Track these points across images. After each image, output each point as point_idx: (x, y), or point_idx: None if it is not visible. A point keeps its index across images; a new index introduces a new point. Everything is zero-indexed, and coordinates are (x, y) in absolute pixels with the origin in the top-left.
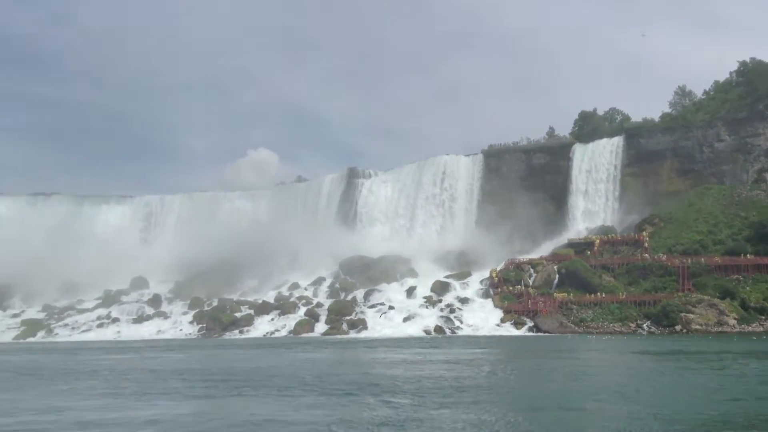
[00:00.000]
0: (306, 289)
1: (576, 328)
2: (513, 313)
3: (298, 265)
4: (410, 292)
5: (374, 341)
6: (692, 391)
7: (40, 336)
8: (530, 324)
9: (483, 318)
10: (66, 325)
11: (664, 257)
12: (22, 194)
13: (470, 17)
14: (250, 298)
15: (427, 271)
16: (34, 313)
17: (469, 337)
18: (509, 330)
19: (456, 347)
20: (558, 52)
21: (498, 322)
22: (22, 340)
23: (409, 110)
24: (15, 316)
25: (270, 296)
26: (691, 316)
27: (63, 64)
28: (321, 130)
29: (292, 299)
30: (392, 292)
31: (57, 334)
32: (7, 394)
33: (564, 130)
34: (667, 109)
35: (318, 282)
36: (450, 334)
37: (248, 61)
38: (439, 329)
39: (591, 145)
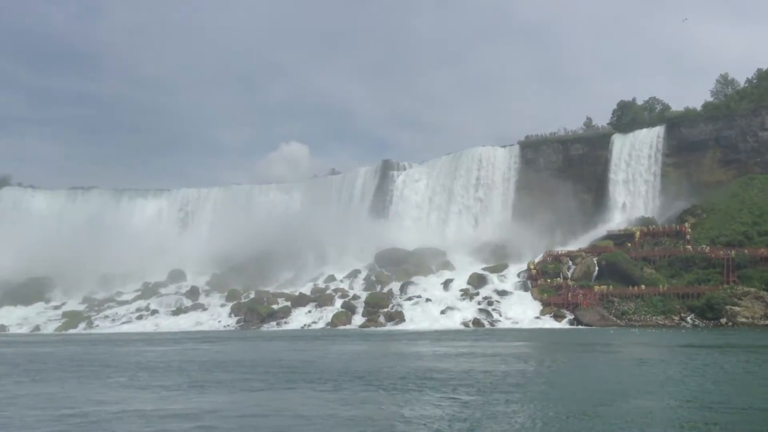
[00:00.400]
0: (342, 281)
1: (618, 321)
2: (552, 305)
3: (333, 258)
4: (447, 284)
5: (414, 334)
6: (757, 385)
7: (81, 328)
8: (570, 317)
9: (521, 311)
10: (106, 317)
11: (708, 249)
12: (61, 188)
13: (500, 8)
14: (286, 291)
15: (463, 264)
16: (74, 305)
17: (508, 329)
18: (549, 323)
19: (499, 340)
20: (592, 41)
21: (537, 314)
22: (63, 332)
23: (439, 102)
24: (56, 308)
25: (306, 288)
26: (736, 308)
27: (97, 60)
28: (351, 123)
29: (328, 291)
30: (428, 284)
31: (97, 325)
32: (66, 385)
33: (601, 120)
34: (709, 98)
35: (353, 274)
36: (489, 326)
37: (279, 55)
38: (477, 322)
39: (631, 135)
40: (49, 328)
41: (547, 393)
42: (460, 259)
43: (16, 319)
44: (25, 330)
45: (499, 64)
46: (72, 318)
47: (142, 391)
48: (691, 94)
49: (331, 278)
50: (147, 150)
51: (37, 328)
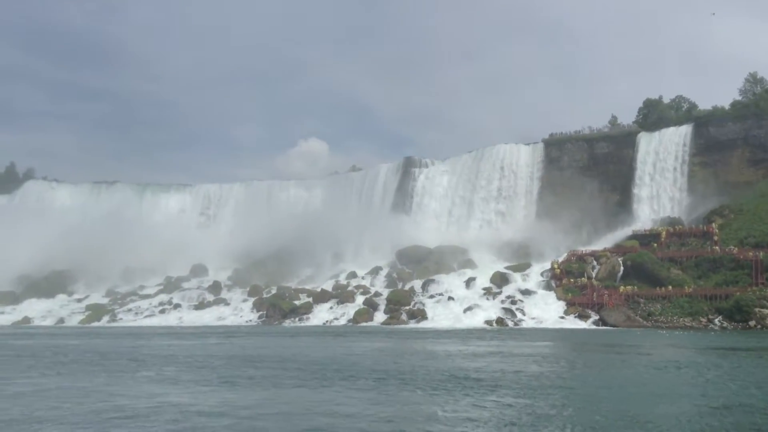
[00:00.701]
0: (363, 278)
1: (644, 322)
2: (577, 305)
3: (354, 255)
4: (469, 282)
5: (438, 332)
6: None
7: (104, 321)
8: (595, 317)
9: (545, 310)
10: (129, 310)
11: (736, 250)
12: (85, 182)
13: (519, 5)
14: (308, 287)
15: (485, 262)
16: (98, 298)
17: (533, 329)
18: (574, 323)
19: (526, 339)
20: (613, 39)
21: (561, 314)
22: (87, 325)
23: (459, 100)
24: (79, 301)
25: (327, 285)
26: (766, 311)
27: (117, 56)
28: (370, 120)
29: (349, 288)
30: (450, 282)
31: (121, 319)
32: (96, 378)
33: (624, 119)
34: (737, 97)
35: (375, 271)
36: (513, 326)
37: (299, 52)
38: (501, 321)
39: (657, 134)
40: (73, 321)
41: (586, 395)
42: (482, 258)
43: (40, 311)
44: (49, 322)
45: (519, 61)
46: (95, 311)
47: (174, 386)
48: (716, 93)
49: (352, 275)
50: (166, 146)
51: (61, 320)
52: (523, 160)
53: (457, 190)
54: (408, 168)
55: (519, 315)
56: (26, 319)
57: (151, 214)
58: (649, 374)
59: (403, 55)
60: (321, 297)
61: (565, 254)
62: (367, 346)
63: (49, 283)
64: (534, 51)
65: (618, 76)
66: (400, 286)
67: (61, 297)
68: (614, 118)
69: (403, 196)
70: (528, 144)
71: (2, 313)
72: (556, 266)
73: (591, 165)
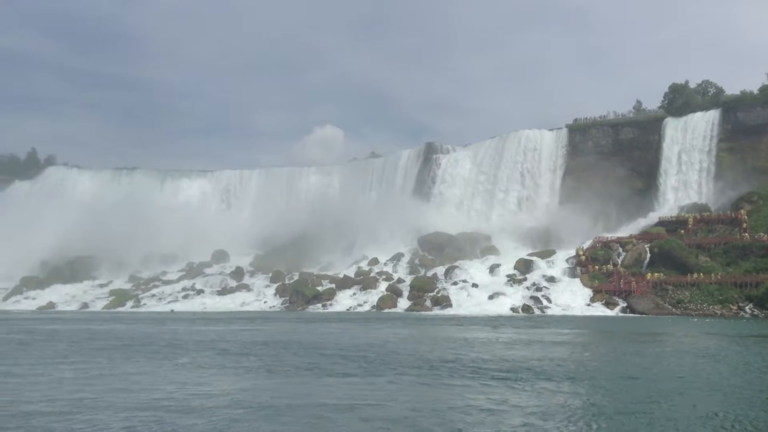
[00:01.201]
0: (385, 264)
1: (673, 309)
2: (603, 292)
3: (375, 241)
4: (493, 269)
5: (465, 319)
6: None
7: (128, 306)
8: (623, 304)
9: (571, 297)
10: (153, 295)
11: (765, 237)
12: (107, 168)
13: None
14: (329, 273)
15: (508, 249)
16: (120, 283)
17: (560, 316)
18: (601, 310)
19: (556, 327)
20: (634, 24)
21: (588, 301)
22: (111, 310)
23: (476, 87)
24: (102, 286)
25: (349, 271)
26: None
27: (139, 43)
28: (386, 107)
29: (372, 274)
30: (474, 269)
31: (144, 304)
32: (140, 364)
33: (649, 104)
34: (766, 82)
35: (396, 258)
36: (539, 313)
37: (315, 39)
38: (527, 308)
39: (684, 119)
40: (97, 306)
41: (636, 384)
42: (506, 244)
43: (64, 296)
44: (73, 307)
45: (538, 48)
46: (119, 296)
47: (219, 373)
48: (742, 78)
49: (374, 261)
50: (185, 133)
51: (85, 305)
52: (546, 146)
53: (479, 176)
54: (429, 154)
55: (545, 302)
56: (51, 304)
57: (172, 201)
58: (689, 361)
59: (421, 42)
60: (344, 283)
61: (590, 241)
62: (400, 333)
63: (71, 269)
64: (553, 37)
65: (640, 63)
66: (422, 272)
67: (85, 282)
68: (639, 104)
69: (424, 182)
70: (552, 129)
71: (27, 298)
72: (581, 253)
73: (616, 150)
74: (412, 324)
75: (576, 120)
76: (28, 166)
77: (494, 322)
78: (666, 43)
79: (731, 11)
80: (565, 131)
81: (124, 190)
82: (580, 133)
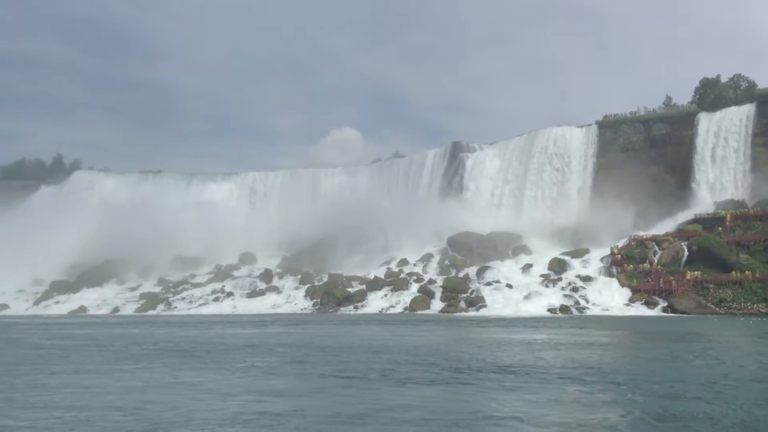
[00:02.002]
0: (415, 265)
1: (716, 308)
2: (642, 292)
3: (403, 242)
4: (525, 269)
5: (504, 320)
6: None
7: (159, 309)
8: (663, 304)
9: (609, 297)
10: (183, 298)
11: None
12: (133, 172)
13: None
14: (358, 274)
15: (540, 248)
16: (150, 286)
17: (601, 317)
18: (641, 310)
19: (601, 328)
20: (648, 22)
21: (626, 301)
22: (143, 313)
23: (491, 86)
24: (132, 289)
25: (379, 272)
26: None
27: (153, 46)
28: (403, 107)
29: (402, 275)
30: (506, 269)
31: (175, 307)
32: (198, 372)
33: (679, 99)
34: None
35: (426, 258)
36: (578, 313)
37: (330, 40)
38: (565, 308)
39: (718, 114)
40: (128, 310)
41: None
42: (537, 244)
43: (95, 300)
44: (104, 311)
45: (552, 46)
46: (150, 300)
47: (295, 381)
48: (757, 73)
49: (404, 262)
50: (203, 136)
51: (116, 309)
52: (576, 143)
53: (507, 175)
54: (455, 153)
55: (582, 302)
56: (82, 308)
57: (198, 203)
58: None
59: (437, 42)
60: (374, 284)
61: (625, 239)
62: (447, 335)
63: (100, 272)
64: (567, 35)
65: (655, 59)
66: (453, 273)
67: (114, 286)
68: (669, 99)
69: (451, 181)
70: (581, 126)
71: (57, 302)
72: (616, 251)
73: (647, 147)
74: (453, 326)
75: (606, 116)
76: (54, 171)
77: (535, 323)
78: (681, 39)
79: (743, 7)
80: (594, 128)
81: (150, 193)
82: (610, 130)
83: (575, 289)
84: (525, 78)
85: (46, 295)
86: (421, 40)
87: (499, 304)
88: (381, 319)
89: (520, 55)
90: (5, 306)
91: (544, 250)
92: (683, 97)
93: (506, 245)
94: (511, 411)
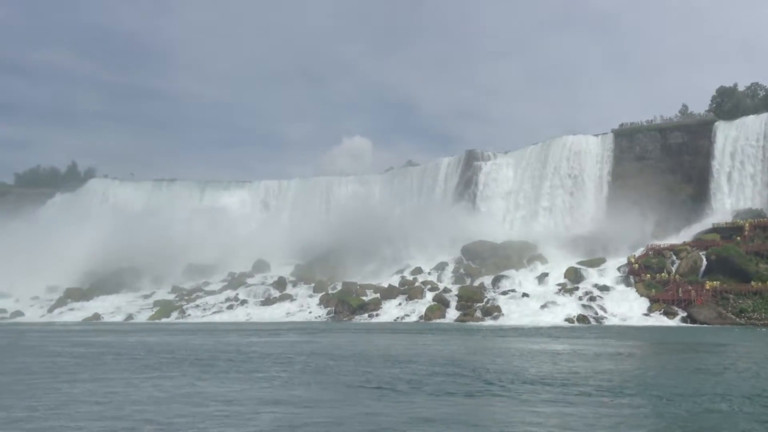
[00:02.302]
0: (429, 273)
1: (736, 319)
2: (661, 302)
3: (417, 250)
4: (541, 278)
5: (522, 330)
6: None
7: (174, 317)
8: (683, 314)
9: (627, 307)
10: (197, 306)
11: None
12: (147, 180)
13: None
14: (372, 282)
15: (556, 257)
16: (163, 294)
17: (620, 327)
18: (660, 320)
19: (623, 339)
20: (663, 30)
21: (645, 311)
22: (157, 321)
23: (503, 94)
24: (146, 297)
25: (393, 280)
26: None
27: (168, 56)
28: (413, 116)
29: (416, 284)
30: (521, 278)
31: (189, 315)
32: (223, 381)
33: (695, 108)
34: None
35: (440, 267)
36: (596, 323)
37: (342, 49)
38: (583, 318)
39: (736, 123)
40: (142, 317)
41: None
42: (552, 253)
43: (109, 307)
44: (118, 318)
45: (566, 54)
46: (164, 307)
47: (330, 391)
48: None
49: (418, 270)
50: (214, 144)
51: (130, 316)
52: (592, 152)
53: (522, 184)
54: (470, 161)
55: (600, 312)
56: (96, 316)
57: (212, 211)
58: None
59: (449, 50)
60: (389, 293)
61: (642, 249)
62: (468, 345)
63: (114, 280)
64: (581, 43)
65: (668, 67)
66: (468, 282)
67: (128, 293)
68: (685, 108)
69: (465, 190)
70: (597, 135)
71: (72, 309)
72: (633, 261)
73: (664, 155)
74: (472, 335)
75: (622, 125)
76: (69, 179)
77: (555, 333)
78: (695, 48)
79: (760, 15)
80: (610, 136)
81: (163, 201)
82: (626, 138)
83: (593, 299)
84: (538, 86)
85: (60, 303)
86: (433, 48)
87: (515, 313)
88: (397, 327)
89: (533, 63)
90: (20, 313)
91: (560, 259)
92: (699, 106)
93: (521, 254)
94: (556, 424)
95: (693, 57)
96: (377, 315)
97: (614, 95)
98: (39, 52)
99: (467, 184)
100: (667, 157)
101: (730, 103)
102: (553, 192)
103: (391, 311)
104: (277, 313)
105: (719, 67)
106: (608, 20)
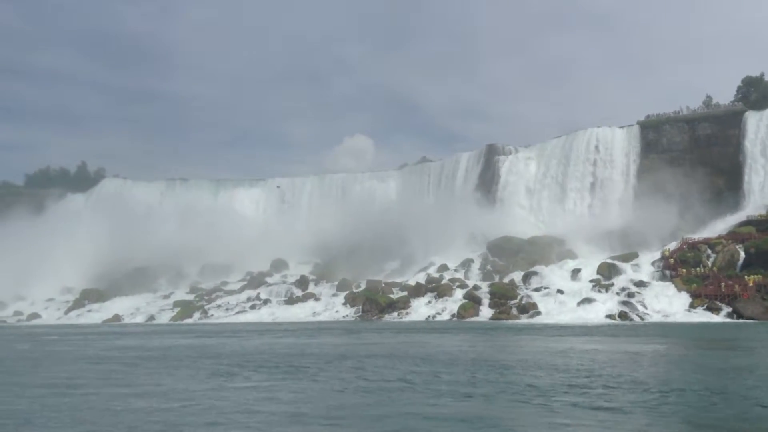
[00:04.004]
0: (456, 270)
1: None
2: (703, 297)
3: (439, 247)
4: (574, 274)
5: (566, 328)
6: None
7: (196, 317)
8: (728, 309)
9: (668, 302)
10: (219, 306)
11: None
12: (160, 179)
13: None
14: (396, 280)
15: (586, 253)
16: (182, 294)
17: (664, 324)
18: (705, 316)
19: (676, 336)
20: (665, 27)
21: (686, 307)
22: (180, 321)
23: (506, 93)
24: (165, 297)
25: (419, 278)
26: None
27: (170, 58)
28: (415, 114)
29: (444, 281)
30: (553, 274)
31: (212, 315)
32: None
33: (721, 98)
34: None
35: (466, 264)
36: (638, 320)
37: (344, 48)
38: (624, 315)
39: (766, 112)
40: (164, 318)
41: None
42: (581, 248)
43: (129, 308)
44: (139, 320)
45: (571, 50)
46: (185, 307)
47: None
48: None
49: (444, 267)
50: (216, 144)
51: (152, 317)
52: (617, 144)
53: (545, 178)
54: (490, 156)
55: (640, 308)
56: (116, 317)
57: (227, 210)
58: None
59: (451, 48)
60: (417, 291)
61: (674, 242)
62: (521, 346)
63: (130, 280)
64: (584, 41)
65: (671, 63)
66: (497, 278)
67: (146, 294)
68: (709, 98)
69: (486, 185)
70: (622, 127)
71: (90, 311)
72: (668, 255)
73: (692, 147)
74: (516, 334)
75: (648, 116)
76: (79, 179)
77: (600, 331)
78: (696, 42)
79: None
80: (636, 128)
81: (178, 200)
82: (653, 130)
83: (630, 295)
84: (541, 83)
85: (77, 304)
86: (435, 47)
87: (552, 311)
88: (432, 327)
89: (536, 60)
90: (36, 315)
91: (589, 255)
92: (721, 97)
93: (549, 250)
94: None
95: (710, 48)
96: (407, 314)
97: (625, 91)
98: (45, 55)
99: (488, 179)
100: (696, 148)
101: (757, 93)
102: (578, 185)
103: (420, 310)
104: (302, 312)
105: (739, 57)
106: (605, 19)
